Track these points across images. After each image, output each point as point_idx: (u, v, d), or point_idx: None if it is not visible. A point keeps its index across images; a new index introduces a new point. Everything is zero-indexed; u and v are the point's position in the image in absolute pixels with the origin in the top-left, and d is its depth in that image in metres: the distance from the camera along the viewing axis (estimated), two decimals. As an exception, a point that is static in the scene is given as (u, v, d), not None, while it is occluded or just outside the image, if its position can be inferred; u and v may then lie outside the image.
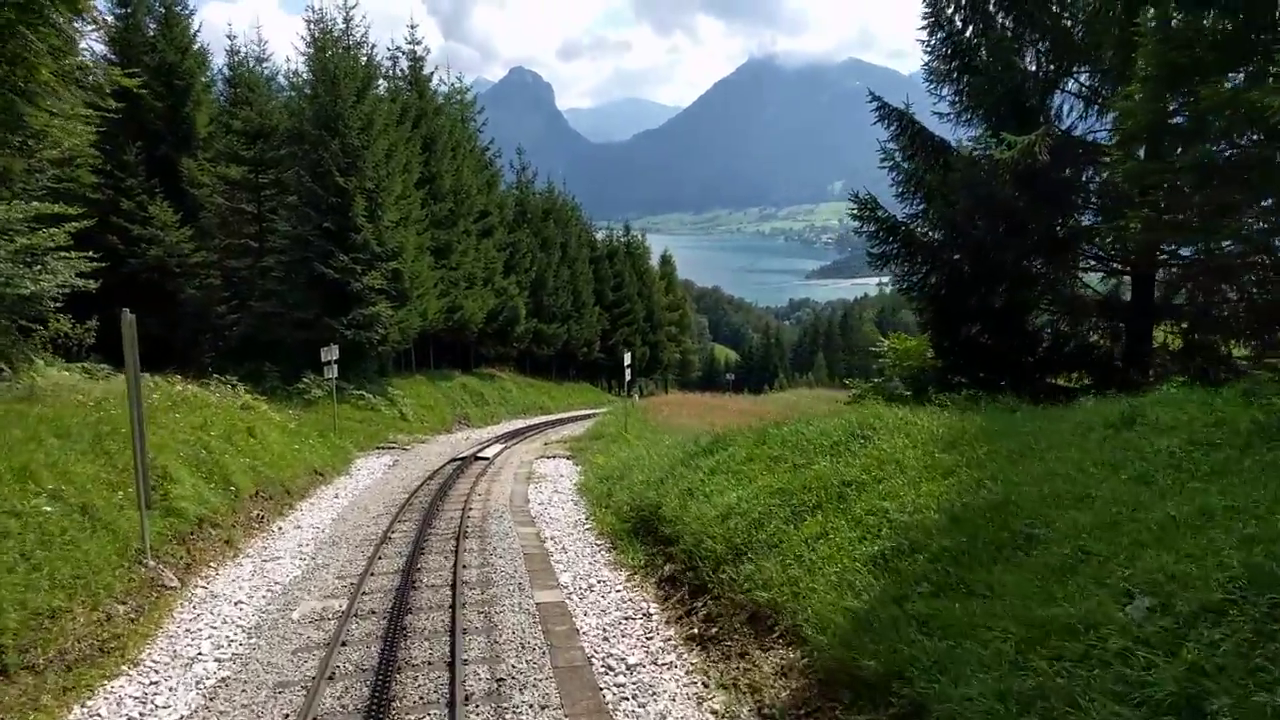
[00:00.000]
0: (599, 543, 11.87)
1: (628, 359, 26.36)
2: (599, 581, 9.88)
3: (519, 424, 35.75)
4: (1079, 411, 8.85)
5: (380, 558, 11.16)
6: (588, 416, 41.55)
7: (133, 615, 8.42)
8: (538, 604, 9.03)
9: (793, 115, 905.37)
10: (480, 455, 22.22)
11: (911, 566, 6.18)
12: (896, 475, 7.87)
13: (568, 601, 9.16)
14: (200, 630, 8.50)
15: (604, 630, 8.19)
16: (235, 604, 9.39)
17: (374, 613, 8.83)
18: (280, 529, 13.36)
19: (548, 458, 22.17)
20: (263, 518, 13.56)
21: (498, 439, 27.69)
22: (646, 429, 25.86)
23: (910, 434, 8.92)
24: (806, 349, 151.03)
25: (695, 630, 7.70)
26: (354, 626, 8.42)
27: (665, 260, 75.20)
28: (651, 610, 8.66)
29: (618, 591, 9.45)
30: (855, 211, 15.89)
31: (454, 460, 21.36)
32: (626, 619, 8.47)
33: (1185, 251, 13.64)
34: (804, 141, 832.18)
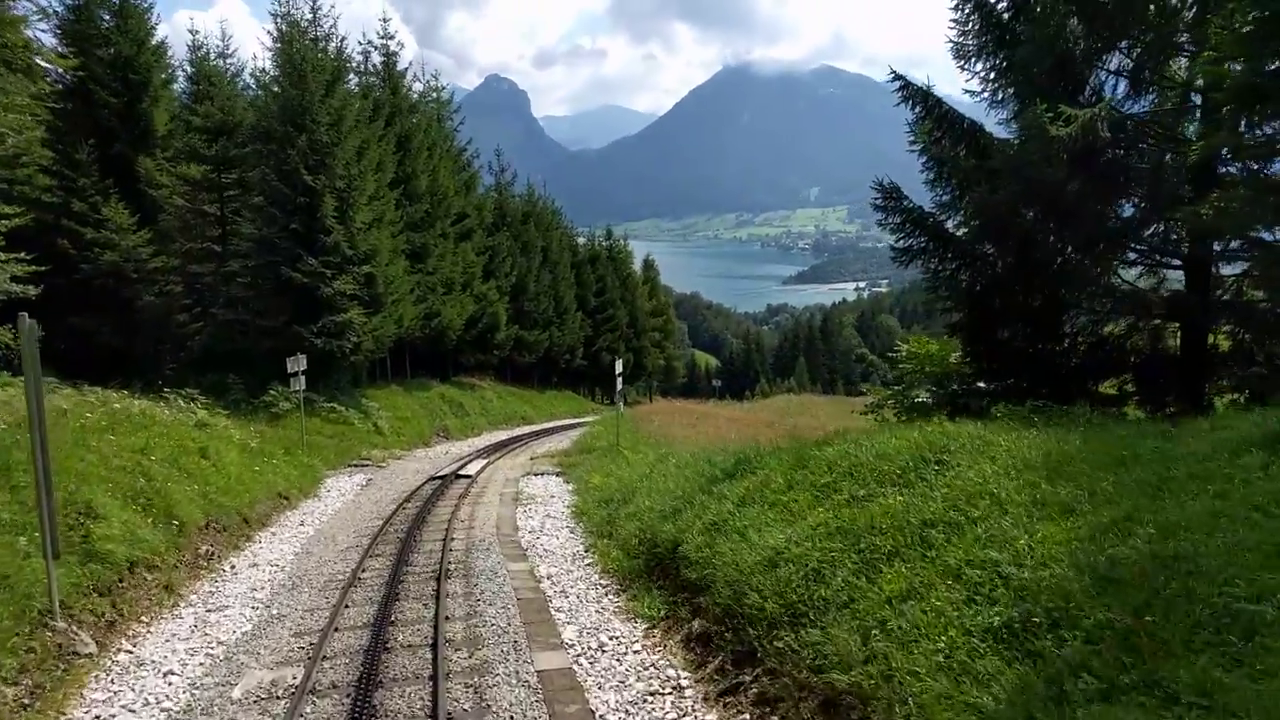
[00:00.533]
0: (605, 583, 10.18)
1: (619, 366, 24.68)
2: (611, 638, 8.18)
3: (501, 436, 33.98)
4: (1203, 428, 7.29)
5: (347, 605, 9.42)
6: (573, 426, 39.82)
7: (25, 699, 6.65)
8: (539, 672, 7.34)
9: (768, 122, 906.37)
10: (462, 473, 20.46)
11: (1059, 648, 4.56)
12: (995, 513, 6.24)
13: (575, 668, 7.47)
14: (113, 718, 6.75)
15: (625, 712, 6.52)
16: (164, 675, 7.62)
17: (335, 687, 7.11)
18: (233, 568, 11.57)
19: (535, 475, 20.45)
20: (213, 554, 11.77)
21: (479, 453, 25.93)
22: (640, 442, 24.20)
23: (994, 458, 7.31)
24: (787, 354, 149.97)
25: (746, 716, 6.04)
26: (309, 709, 6.69)
27: (648, 265, 73.43)
28: (683, 681, 6.99)
29: (636, 653, 7.76)
30: (879, 201, 14.36)
31: (433, 479, 19.60)
32: (652, 694, 6.80)
33: (1235, 243, 12.24)
34: (780, 148, 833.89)
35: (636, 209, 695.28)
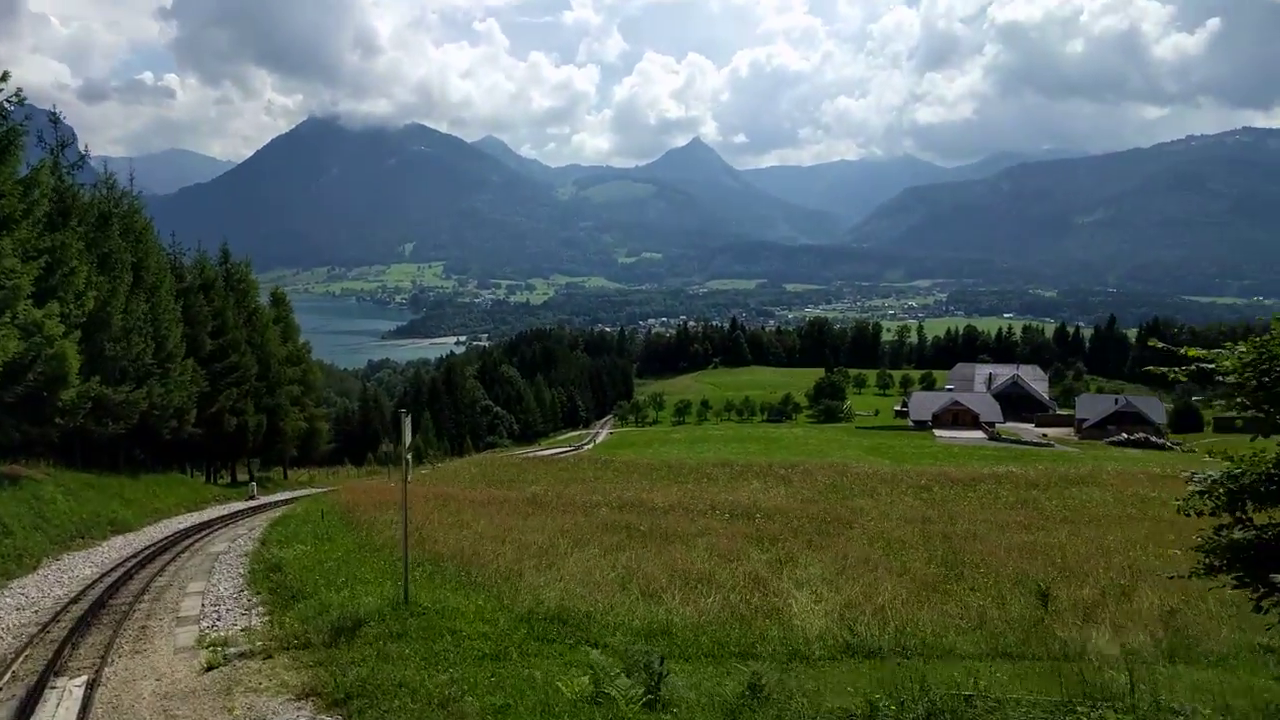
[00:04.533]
0: None
1: (408, 433, 12.12)
2: None
3: (86, 570, 18.48)
4: None
5: None
6: (207, 531, 24.92)
7: None
8: None
9: (359, 176, 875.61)
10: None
11: None
12: None
13: None
14: None
15: None
16: None
17: None
18: None
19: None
20: None
21: (40, 655, 11.43)
22: (474, 589, 11.72)
23: None
24: (409, 410, 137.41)
25: None
26: None
27: (279, 300, 56.28)
28: None
29: None
30: None
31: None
32: None
33: None
34: (372, 203, 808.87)
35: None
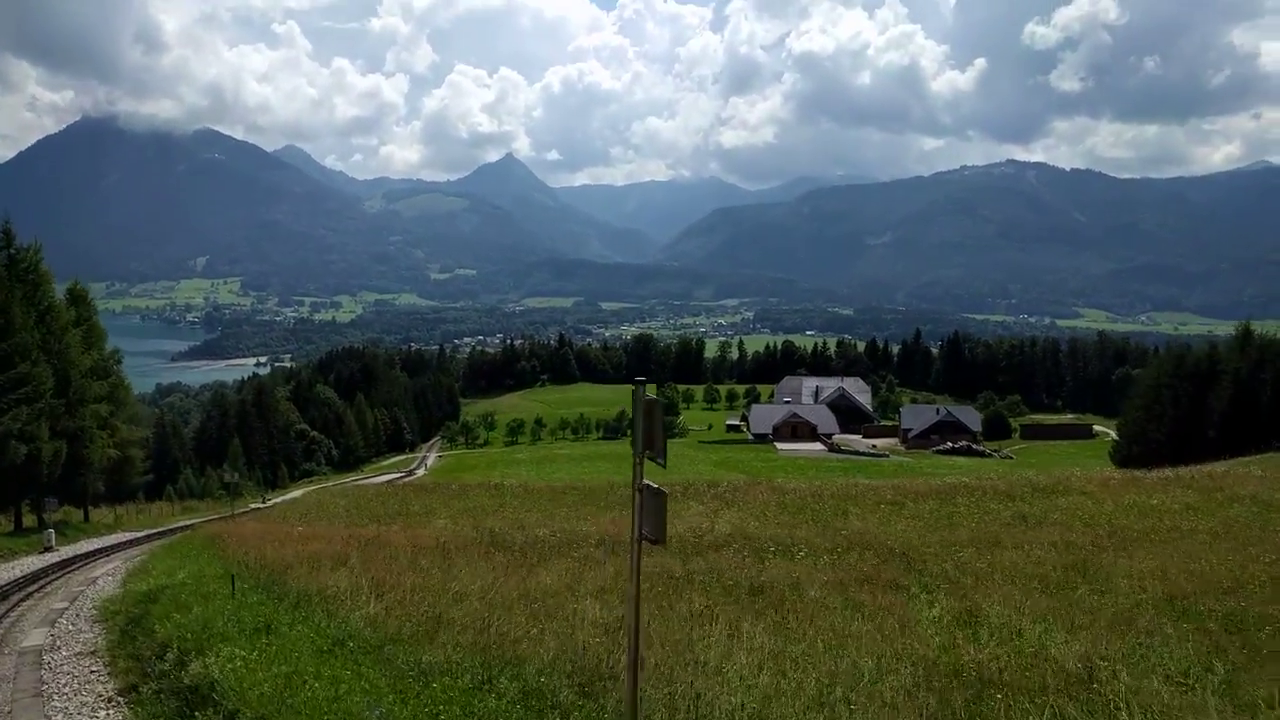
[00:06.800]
0: None
1: (642, 426, 6.13)
2: None
3: None
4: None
5: None
6: (7, 604, 18.40)
7: None
8: None
9: (143, 184, 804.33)
10: None
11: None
12: None
13: None
14: None
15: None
16: None
17: None
18: None
19: None
20: None
21: None
22: None
23: None
24: (214, 436, 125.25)
25: None
26: None
27: (78, 298, 45.75)
28: None
29: None
30: None
31: None
32: None
33: None
34: (158, 213, 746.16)
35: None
